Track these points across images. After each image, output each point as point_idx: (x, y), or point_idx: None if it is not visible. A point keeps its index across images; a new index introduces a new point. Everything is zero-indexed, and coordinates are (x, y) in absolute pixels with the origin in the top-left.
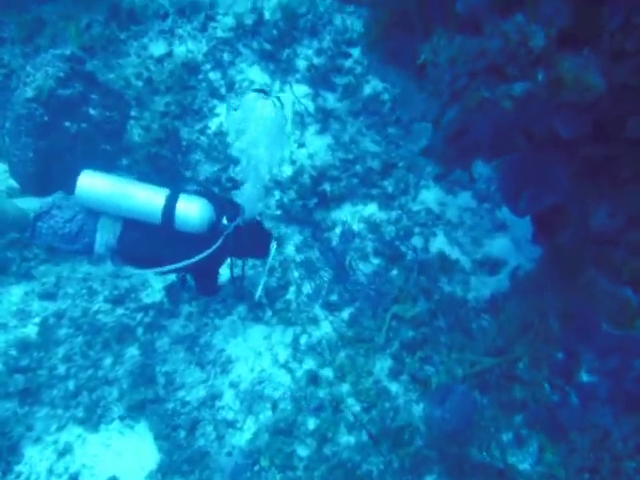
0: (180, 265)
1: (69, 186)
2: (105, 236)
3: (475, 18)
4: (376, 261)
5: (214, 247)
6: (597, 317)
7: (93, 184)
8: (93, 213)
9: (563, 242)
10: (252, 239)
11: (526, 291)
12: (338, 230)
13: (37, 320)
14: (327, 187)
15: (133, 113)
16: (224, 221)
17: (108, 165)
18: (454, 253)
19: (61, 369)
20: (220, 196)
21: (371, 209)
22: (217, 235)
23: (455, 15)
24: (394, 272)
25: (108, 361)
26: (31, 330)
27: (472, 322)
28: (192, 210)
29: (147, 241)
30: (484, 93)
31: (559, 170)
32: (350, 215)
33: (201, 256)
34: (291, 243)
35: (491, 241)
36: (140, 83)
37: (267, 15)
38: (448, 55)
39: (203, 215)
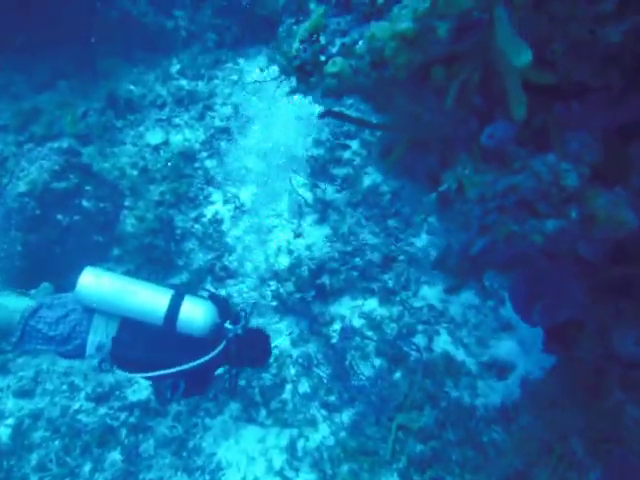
0: (175, 370)
1: (62, 281)
2: (98, 337)
3: (501, 152)
4: (378, 362)
5: (214, 352)
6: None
7: (96, 283)
8: (87, 312)
9: (580, 357)
10: (253, 346)
11: (541, 405)
12: (337, 326)
13: (11, 421)
14: (326, 280)
15: (127, 203)
16: (227, 325)
17: (99, 256)
18: (459, 354)
19: None
20: (224, 299)
21: (371, 304)
22: (218, 339)
23: (480, 145)
24: (397, 375)
25: (87, 468)
26: (3, 433)
27: (483, 434)
28: (197, 313)
29: (143, 342)
30: (513, 227)
31: (575, 284)
32: (349, 310)
33: (199, 362)
34: (287, 336)
35: (497, 342)
36: (135, 172)
37: None
38: (478, 192)
39: (207, 318)
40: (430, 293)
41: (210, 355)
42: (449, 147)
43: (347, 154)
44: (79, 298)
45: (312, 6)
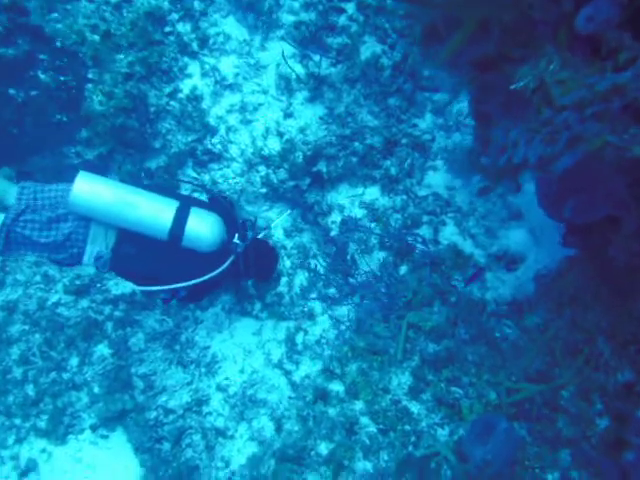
0: (182, 285)
1: (23, 166)
2: (97, 248)
3: (598, 39)
4: (382, 255)
5: (222, 268)
6: None
7: (92, 191)
8: (82, 219)
9: (612, 255)
10: (259, 259)
11: (559, 301)
12: (336, 216)
13: None
14: (323, 167)
15: (91, 75)
16: (235, 240)
17: (64, 138)
18: (467, 246)
19: (17, 372)
20: (230, 203)
21: (373, 193)
22: (224, 253)
23: (569, 33)
24: (403, 269)
25: (74, 362)
26: None
27: (495, 330)
28: (204, 228)
29: (145, 255)
30: (609, 138)
31: (618, 179)
32: (348, 199)
33: (206, 277)
34: (279, 226)
35: (506, 232)
36: (97, 37)
37: None
38: (577, 96)
39: (215, 233)
40: (435, 180)
41: (217, 271)
42: (529, 32)
43: (342, 19)
44: (73, 207)
45: None
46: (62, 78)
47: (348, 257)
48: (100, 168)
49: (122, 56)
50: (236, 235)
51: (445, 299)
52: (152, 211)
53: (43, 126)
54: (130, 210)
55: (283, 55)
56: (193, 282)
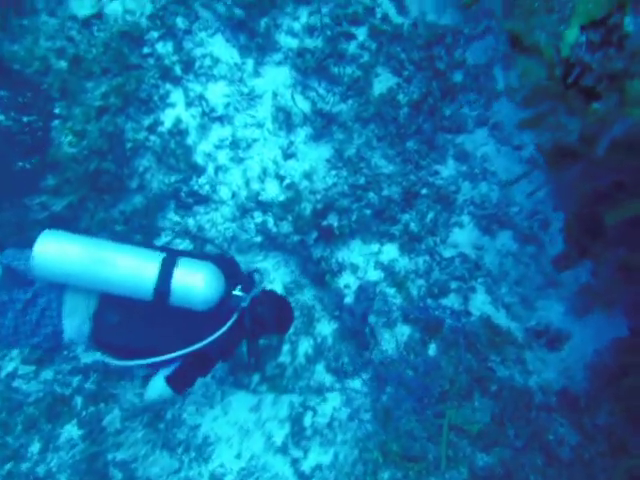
0: (180, 354)
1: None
2: (77, 320)
3: None
4: (406, 330)
5: (223, 329)
6: None
7: (59, 252)
8: (55, 289)
9: None
10: (271, 312)
11: (630, 406)
12: (349, 278)
13: None
14: (334, 222)
15: (58, 110)
16: (236, 292)
17: (27, 188)
18: (501, 318)
19: None
20: (230, 259)
21: (391, 252)
22: (227, 310)
23: None
24: (432, 347)
25: (35, 448)
26: None
27: (548, 431)
28: (196, 281)
29: (132, 322)
30: None
31: None
32: (363, 258)
33: (205, 342)
34: (277, 281)
35: (545, 302)
36: (64, 64)
37: None
38: None
39: (210, 287)
40: (461, 238)
41: (217, 334)
42: None
43: (352, 47)
44: (38, 274)
45: None
46: (25, 119)
47: (367, 330)
48: (68, 221)
49: (94, 85)
50: (238, 287)
51: (485, 388)
52: (132, 267)
53: (1, 175)
54: (106, 269)
55: (293, 96)
56: (189, 349)
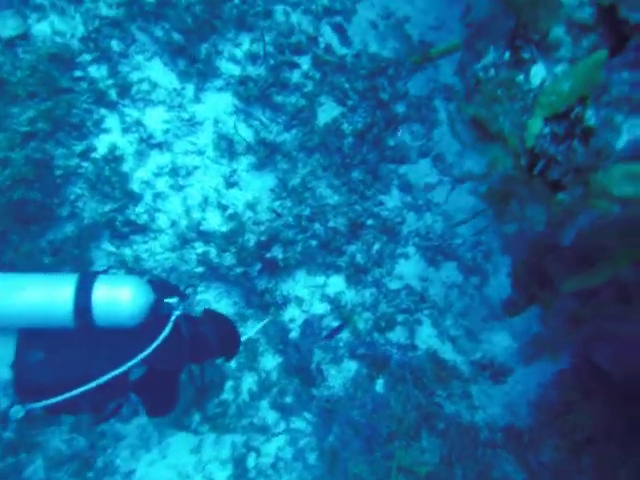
0: (107, 377)
1: None
2: None
3: None
4: (353, 365)
5: (157, 342)
6: None
7: None
8: None
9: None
10: (214, 332)
11: (574, 442)
12: (294, 311)
13: None
14: (279, 254)
15: None
16: (169, 300)
17: None
18: (447, 352)
19: None
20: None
21: (337, 284)
22: (160, 321)
23: None
24: (379, 383)
25: None
26: None
27: (493, 468)
28: (119, 294)
29: (60, 356)
30: None
31: None
32: (308, 290)
33: (138, 359)
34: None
35: (489, 335)
36: None
37: None
38: None
39: (135, 297)
40: (407, 269)
41: (152, 347)
42: None
43: (296, 76)
44: None
45: None
46: None
47: (312, 366)
48: None
49: (20, 110)
50: (170, 297)
51: (433, 426)
52: (45, 291)
53: None
54: (18, 300)
55: (235, 125)
56: (125, 367)
